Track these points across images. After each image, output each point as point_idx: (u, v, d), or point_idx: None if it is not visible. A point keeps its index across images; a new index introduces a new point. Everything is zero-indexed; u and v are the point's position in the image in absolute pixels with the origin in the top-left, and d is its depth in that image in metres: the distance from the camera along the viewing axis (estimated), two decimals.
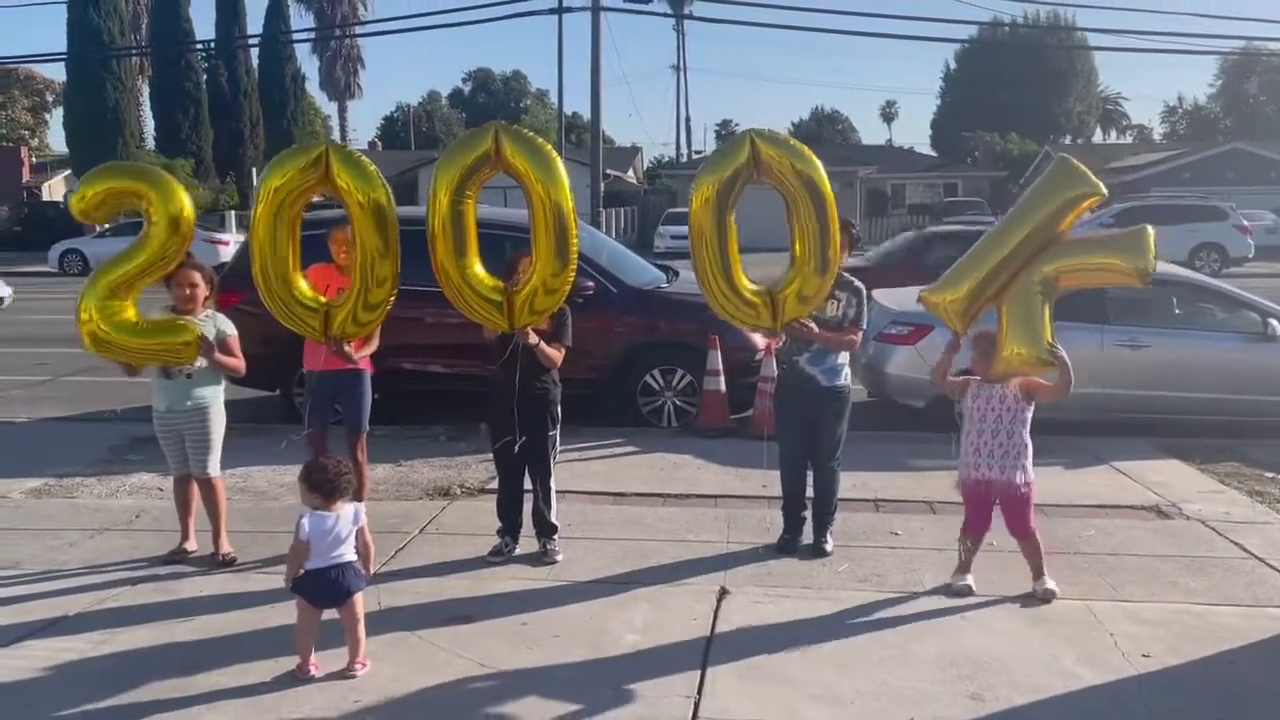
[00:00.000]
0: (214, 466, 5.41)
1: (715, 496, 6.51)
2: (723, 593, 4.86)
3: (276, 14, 44.41)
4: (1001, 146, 51.06)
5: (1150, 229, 4.48)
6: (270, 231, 4.54)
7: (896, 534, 5.79)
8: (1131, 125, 75.02)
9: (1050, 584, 4.82)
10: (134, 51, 38.77)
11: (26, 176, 39.98)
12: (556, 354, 5.18)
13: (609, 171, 38.11)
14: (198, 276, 5.13)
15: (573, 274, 4.64)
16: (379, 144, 58.83)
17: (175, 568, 5.25)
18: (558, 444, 5.45)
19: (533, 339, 4.99)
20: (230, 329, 5.31)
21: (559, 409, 5.39)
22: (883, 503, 6.39)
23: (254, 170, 37.48)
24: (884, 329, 8.72)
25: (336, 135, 62.58)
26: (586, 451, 7.52)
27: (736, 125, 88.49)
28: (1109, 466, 7.23)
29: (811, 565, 5.27)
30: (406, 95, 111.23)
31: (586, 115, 32.07)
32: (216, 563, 5.32)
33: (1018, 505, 4.82)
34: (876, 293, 9.77)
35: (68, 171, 41.47)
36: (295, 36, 47.51)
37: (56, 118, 46.71)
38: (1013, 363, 4.55)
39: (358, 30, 54.19)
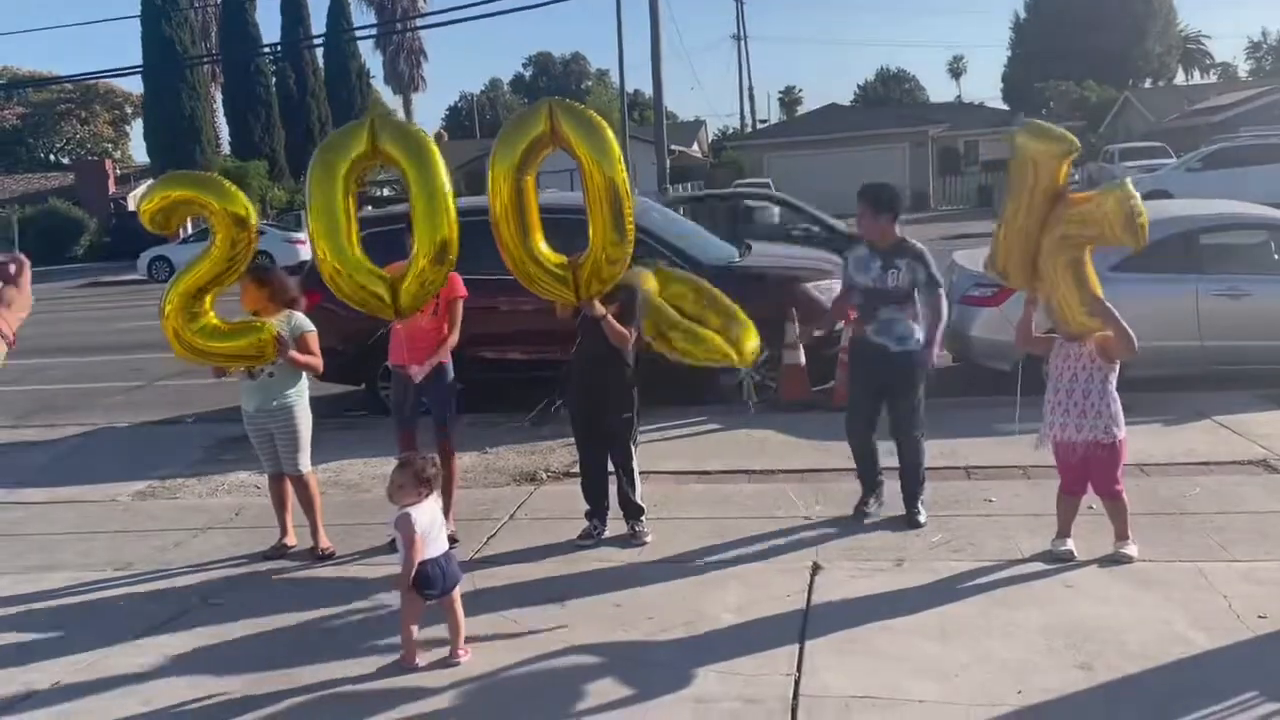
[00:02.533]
0: (305, 463, 5.52)
1: (802, 471, 6.44)
2: (815, 568, 4.81)
3: (338, 13, 45.07)
4: (1078, 94, 49.42)
5: (1127, 182, 4.46)
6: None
7: (990, 501, 5.66)
8: (1215, 64, 71.98)
9: (1129, 549, 4.68)
10: (205, 60, 39.70)
11: (112, 188, 41.26)
12: (626, 332, 5.15)
13: (673, 147, 37.94)
14: (262, 278, 5.25)
15: (631, 244, 4.64)
16: (445, 135, 59.31)
17: (276, 563, 5.39)
18: (636, 426, 5.43)
19: (599, 310, 4.98)
20: (307, 326, 5.40)
21: (635, 391, 5.36)
22: (974, 470, 6.26)
23: None
24: (966, 291, 8.51)
25: None
26: (668, 431, 7.50)
27: (800, 92, 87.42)
28: (1211, 421, 6.96)
29: (905, 537, 5.19)
30: (469, 84, 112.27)
31: (649, 92, 31.92)
32: (316, 557, 5.45)
33: (1103, 465, 4.68)
34: (957, 254, 9.57)
35: (150, 181, 42.60)
36: (357, 34, 48.18)
37: (137, 129, 48.29)
38: (1067, 319, 4.49)
39: (418, 23, 54.62)
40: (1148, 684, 3.62)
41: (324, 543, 5.53)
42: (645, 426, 7.42)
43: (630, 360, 5.29)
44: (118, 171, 44.75)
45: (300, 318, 5.45)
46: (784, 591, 4.55)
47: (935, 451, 6.53)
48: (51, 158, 57.67)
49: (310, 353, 5.41)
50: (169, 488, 7.02)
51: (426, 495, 4.08)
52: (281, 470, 5.54)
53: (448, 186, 4.44)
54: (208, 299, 5.02)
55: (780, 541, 5.23)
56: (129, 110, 56.29)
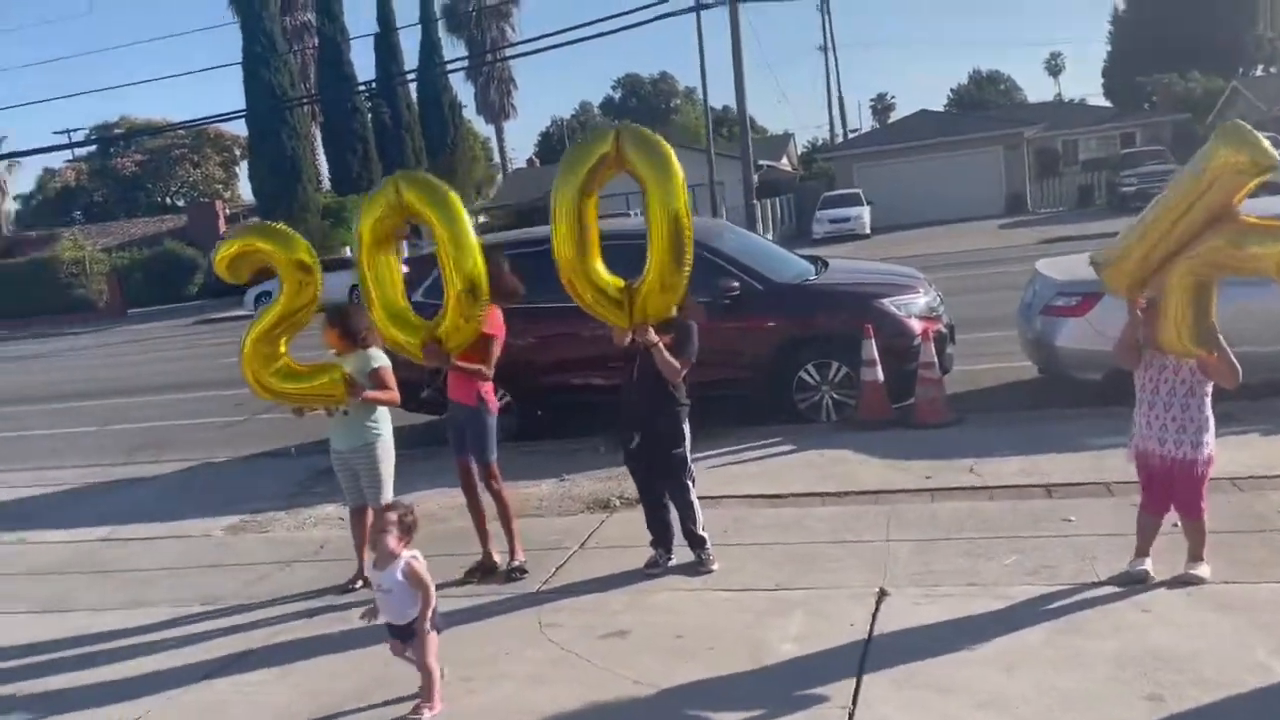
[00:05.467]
0: (387, 497, 5.66)
1: (875, 492, 6.34)
2: (882, 594, 4.73)
3: (430, 47, 46.27)
4: (1182, 86, 47.49)
5: None
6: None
7: (1070, 520, 5.48)
8: None
9: (1200, 570, 4.48)
10: (303, 101, 41.19)
11: (223, 227, 43.06)
12: (678, 364, 5.13)
13: (761, 162, 37.84)
14: (332, 317, 5.44)
15: (687, 272, 4.67)
16: (536, 160, 60.34)
17: (352, 596, 5.54)
18: (689, 459, 5.38)
19: (651, 337, 4.99)
20: (379, 361, 5.54)
21: (687, 426, 5.32)
22: (1055, 487, 6.06)
23: None
24: (1050, 301, 8.27)
25: (496, 157, 64.70)
26: (742, 454, 7.47)
27: (892, 98, 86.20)
28: None
29: (977, 560, 5.06)
30: (559, 109, 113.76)
31: (735, 108, 31.85)
32: None
33: (1189, 484, 4.48)
34: (1040, 263, 9.31)
35: (256, 220, 44.55)
36: (449, 66, 49.37)
37: (245, 170, 50.39)
38: (1172, 340, 4.23)
39: (507, 52, 55.76)
40: (1223, 715, 3.46)
41: None
42: (717, 449, 7.46)
43: (681, 394, 5.27)
44: (227, 211, 46.75)
45: (375, 354, 5.60)
46: (848, 620, 4.48)
47: (1015, 468, 6.40)
48: (168, 201, 60.56)
49: (385, 387, 5.56)
50: (260, 522, 7.29)
51: (407, 544, 4.09)
52: (364, 503, 5.69)
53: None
54: (282, 342, 5.27)
55: (849, 567, 5.15)
56: (237, 152, 58.71)
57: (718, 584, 5.13)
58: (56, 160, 64.32)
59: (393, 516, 4.05)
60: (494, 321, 5.42)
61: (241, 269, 5.27)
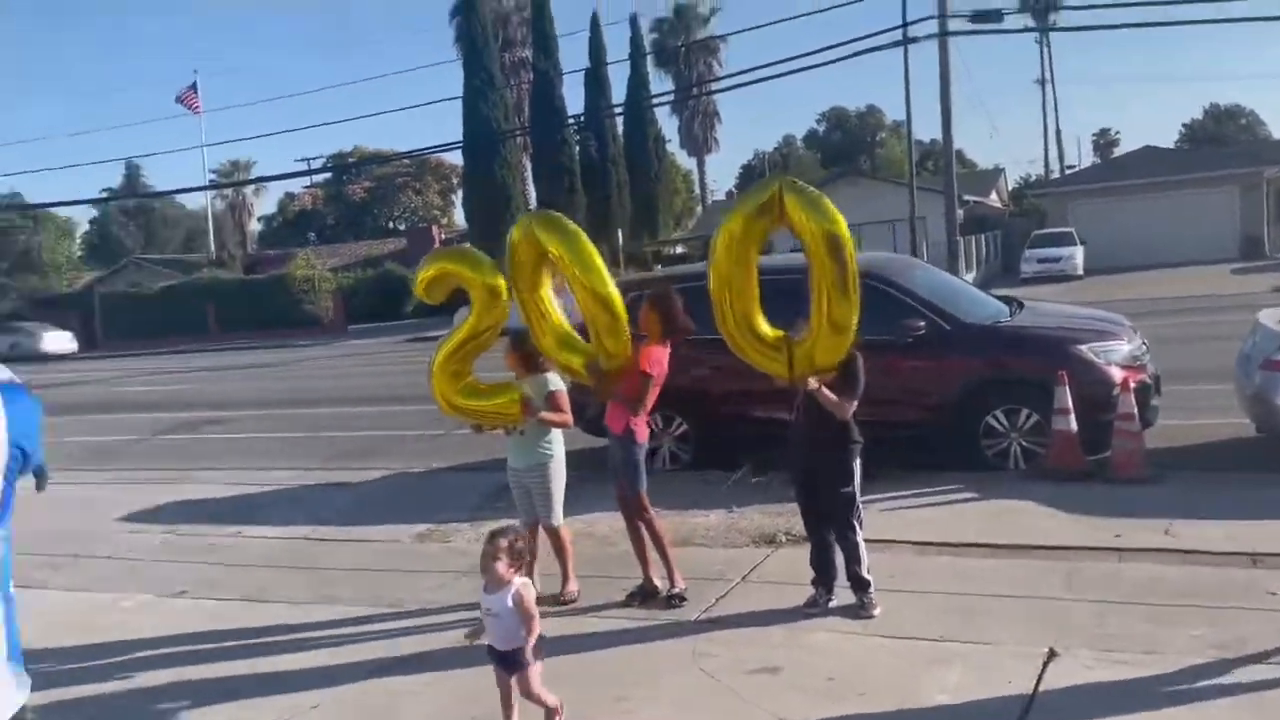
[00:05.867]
0: (557, 517, 5.88)
1: (1057, 548, 6.02)
2: (1051, 654, 4.50)
3: (638, 82, 47.55)
4: None
5: None
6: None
7: (1275, 594, 5.04)
8: None
9: None
10: (515, 133, 43.18)
11: None
12: (844, 404, 5.07)
13: (967, 197, 36.64)
14: (514, 341, 5.69)
15: (852, 331, 4.66)
16: (735, 193, 60.75)
17: None
18: (858, 499, 5.30)
19: (813, 383, 4.96)
20: (556, 385, 5.76)
21: (857, 465, 5.25)
22: (1262, 557, 5.59)
23: (619, 231, 40.10)
24: (1271, 354, 7.65)
25: (696, 190, 65.55)
26: (919, 498, 7.26)
27: (1116, 134, 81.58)
28: None
29: (1161, 626, 4.73)
30: (762, 142, 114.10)
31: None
32: (558, 603, 5.76)
33: None
34: (1262, 313, 8.61)
35: (467, 245, 46.95)
36: (655, 101, 50.51)
37: (460, 197, 53.32)
38: None
39: (713, 87, 56.52)
40: None
41: (570, 588, 5.83)
42: (893, 492, 7.30)
43: (851, 431, 5.20)
44: (443, 236, 49.58)
45: (552, 377, 5.83)
46: (1009, 676, 4.30)
47: (1217, 533, 5.95)
48: (390, 225, 64.87)
49: (560, 410, 5.78)
50: (444, 532, 7.68)
51: (517, 569, 4.05)
52: (537, 521, 5.92)
53: None
54: (468, 361, 5.58)
55: (1018, 622, 4.93)
56: (454, 181, 62.21)
57: (877, 629, 5.02)
58: (296, 185, 70.26)
59: (503, 543, 4.01)
60: (653, 359, 5.52)
61: (438, 290, 5.62)
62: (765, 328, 4.82)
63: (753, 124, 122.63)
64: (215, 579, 6.88)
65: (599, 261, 5.22)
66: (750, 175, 77.01)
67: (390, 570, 6.79)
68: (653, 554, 5.77)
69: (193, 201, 72.51)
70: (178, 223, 78.46)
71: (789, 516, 7.20)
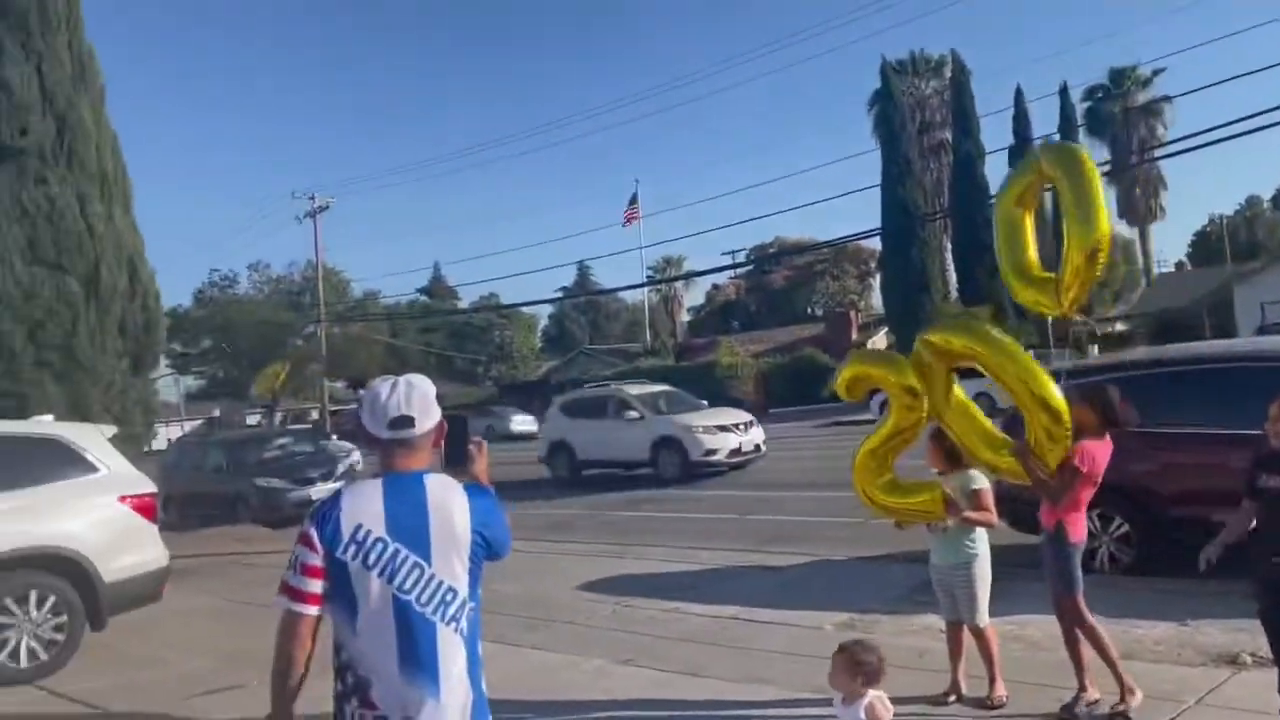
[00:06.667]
0: (982, 618, 5.78)
1: None
2: None
3: None
4: None
5: None
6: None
7: None
8: None
9: None
10: (935, 216, 42.75)
11: (854, 335, 46.21)
12: None
13: None
14: (938, 439, 5.74)
15: None
16: (1186, 264, 55.01)
17: (944, 710, 5.70)
18: None
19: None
20: (979, 484, 5.72)
21: None
22: None
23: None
24: None
25: (1139, 261, 60.20)
26: None
27: None
28: None
29: None
30: (1219, 205, 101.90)
31: None
32: (985, 706, 5.63)
33: None
34: None
35: (885, 329, 46.85)
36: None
37: (877, 281, 53.61)
38: None
39: (1157, 152, 52.08)
40: None
41: (999, 691, 5.67)
42: None
43: None
44: (860, 320, 49.99)
45: (976, 475, 5.80)
46: None
47: None
48: (809, 310, 66.58)
49: (984, 509, 5.73)
50: (865, 622, 7.77)
51: (862, 685, 3.98)
52: (960, 619, 5.87)
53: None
54: (889, 458, 5.76)
55: None
56: (871, 265, 62.69)
57: None
58: (722, 278, 74.59)
59: (855, 657, 4.03)
60: (1088, 455, 5.30)
61: (857, 390, 5.88)
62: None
63: (1206, 185, 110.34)
64: (658, 650, 7.53)
65: (1034, 364, 5.20)
66: (1205, 243, 69.35)
67: (814, 656, 7.00)
68: (1098, 662, 5.47)
69: (632, 296, 79.81)
70: (618, 315, 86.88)
71: (1255, 634, 6.43)
